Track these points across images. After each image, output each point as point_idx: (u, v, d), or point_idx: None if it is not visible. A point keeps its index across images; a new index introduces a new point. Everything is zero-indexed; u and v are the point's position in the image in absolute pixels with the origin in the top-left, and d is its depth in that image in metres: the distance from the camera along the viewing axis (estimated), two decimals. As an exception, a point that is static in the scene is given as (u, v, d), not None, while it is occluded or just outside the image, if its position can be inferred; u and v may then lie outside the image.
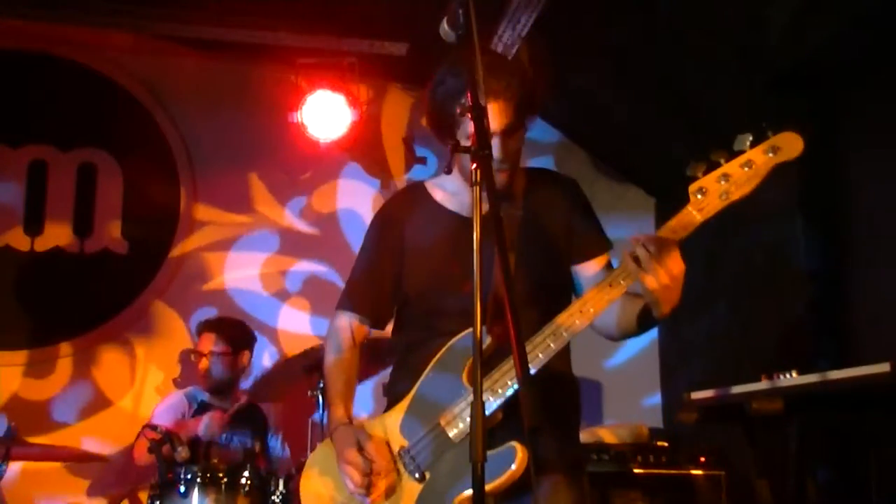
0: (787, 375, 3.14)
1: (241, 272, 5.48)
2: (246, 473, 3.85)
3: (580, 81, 5.16)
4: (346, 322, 2.59)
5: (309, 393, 4.31)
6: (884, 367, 2.76)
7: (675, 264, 2.09)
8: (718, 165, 2.11)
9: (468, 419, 2.20)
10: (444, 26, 2.03)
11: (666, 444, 4.40)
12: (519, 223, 2.39)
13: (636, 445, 4.38)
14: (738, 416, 3.39)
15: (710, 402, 3.54)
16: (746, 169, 2.09)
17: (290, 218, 5.59)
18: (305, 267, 5.54)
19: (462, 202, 2.47)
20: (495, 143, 2.26)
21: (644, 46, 4.60)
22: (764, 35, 4.06)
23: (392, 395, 2.49)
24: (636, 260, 2.08)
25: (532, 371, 2.13)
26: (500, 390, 2.20)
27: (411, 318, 2.53)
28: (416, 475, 2.29)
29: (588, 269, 2.44)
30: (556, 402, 2.36)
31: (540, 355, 2.19)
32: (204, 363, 4.60)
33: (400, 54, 5.30)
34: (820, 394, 3.04)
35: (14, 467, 4.28)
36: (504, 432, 2.14)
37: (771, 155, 2.08)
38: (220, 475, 3.83)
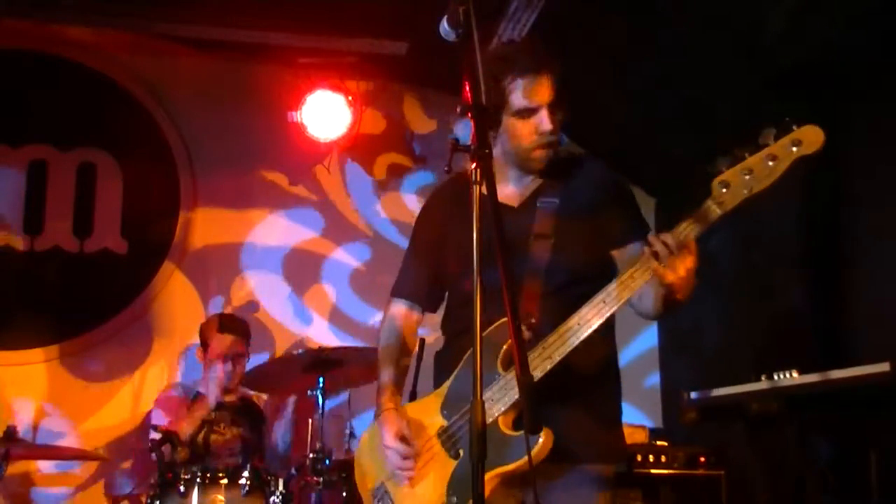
0: (787, 375, 3.14)
1: (241, 271, 5.48)
2: (246, 473, 3.85)
3: (580, 81, 5.14)
4: (399, 309, 2.72)
5: (308, 393, 4.30)
6: (884, 367, 2.77)
7: (691, 259, 2.15)
8: (743, 159, 2.14)
9: (500, 402, 2.32)
10: (444, 26, 2.03)
11: (666, 444, 4.40)
12: (556, 210, 2.45)
13: (636, 445, 4.38)
14: (738, 416, 3.39)
15: (710, 402, 3.54)
16: (770, 163, 2.13)
17: (290, 217, 5.59)
18: (304, 266, 5.54)
19: (506, 192, 2.52)
20: (543, 115, 2.38)
21: (644, 46, 4.60)
22: (764, 35, 4.06)
23: (436, 381, 2.60)
24: (655, 256, 2.15)
25: (556, 361, 2.25)
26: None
27: (453, 308, 2.65)
28: (452, 453, 2.41)
29: (625, 255, 2.48)
30: (590, 388, 2.43)
31: (561, 349, 2.27)
32: (231, 366, 4.51)
33: (400, 54, 5.30)
34: (820, 394, 3.05)
35: (14, 467, 4.27)
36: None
37: (794, 149, 2.13)
38: (220, 475, 3.83)
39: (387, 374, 2.63)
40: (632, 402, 5.59)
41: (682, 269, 2.14)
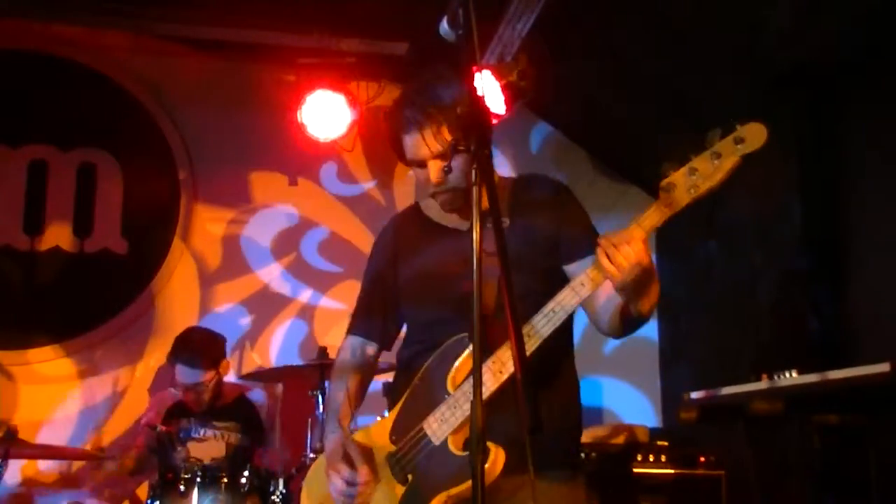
0: (787, 375, 3.14)
1: (241, 271, 5.48)
2: (246, 473, 3.85)
3: (580, 81, 5.16)
4: (353, 343, 2.68)
5: (309, 393, 4.30)
6: (884, 367, 2.76)
7: (642, 259, 2.08)
8: (688, 161, 2.14)
9: (448, 422, 2.27)
10: (444, 26, 2.03)
11: (666, 444, 4.40)
12: (506, 230, 2.32)
13: (636, 445, 4.38)
14: (738, 416, 3.39)
15: (711, 402, 3.54)
16: (714, 161, 2.11)
17: (290, 218, 5.60)
18: (303, 266, 5.55)
19: (451, 217, 2.51)
20: (430, 168, 2.37)
21: (644, 46, 4.60)
22: (764, 35, 4.07)
23: (390, 406, 2.55)
24: (607, 258, 2.09)
25: (510, 372, 2.17)
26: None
27: (412, 333, 2.60)
28: (400, 478, 2.35)
29: (577, 270, 2.41)
30: (553, 397, 2.37)
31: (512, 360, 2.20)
32: (190, 395, 4.41)
33: (400, 54, 5.31)
34: (820, 394, 3.04)
35: (14, 467, 4.28)
36: (494, 428, 2.10)
37: (738, 146, 2.10)
38: (221, 474, 3.83)
39: (335, 402, 2.58)
40: (632, 401, 5.61)
41: (632, 271, 2.06)
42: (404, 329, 2.67)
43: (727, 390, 3.43)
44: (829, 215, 4.20)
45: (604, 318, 2.34)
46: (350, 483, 2.37)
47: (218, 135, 5.53)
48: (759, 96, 4.29)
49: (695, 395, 3.61)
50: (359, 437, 2.49)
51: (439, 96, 2.36)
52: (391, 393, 2.60)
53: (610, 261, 2.08)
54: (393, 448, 2.39)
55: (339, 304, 5.42)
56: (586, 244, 2.41)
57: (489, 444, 2.15)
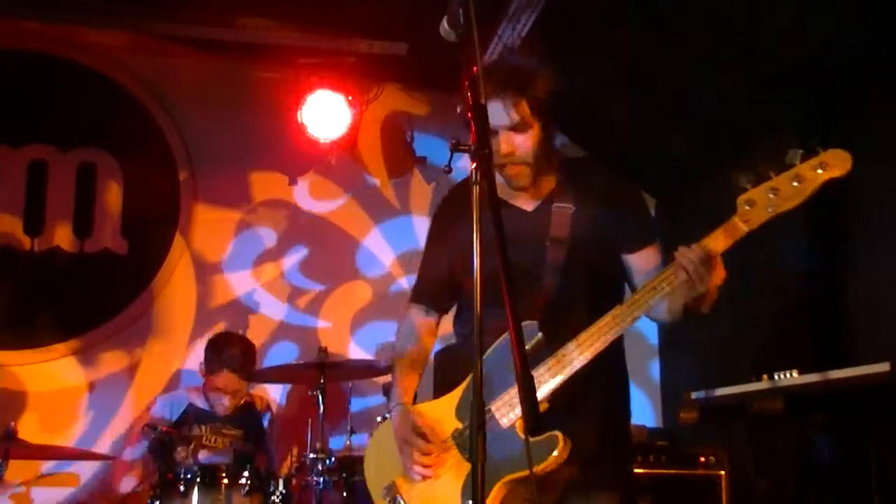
0: (787, 375, 3.14)
1: (241, 271, 5.48)
2: (246, 473, 3.85)
3: (580, 81, 5.15)
4: (417, 315, 2.75)
5: (309, 392, 4.30)
6: (884, 367, 2.77)
7: (718, 276, 2.23)
8: (767, 178, 2.17)
9: (517, 407, 2.31)
10: (444, 26, 2.04)
11: (666, 444, 4.40)
12: (571, 215, 2.48)
13: (636, 445, 4.37)
14: (739, 416, 3.39)
15: (711, 401, 3.54)
16: (796, 183, 2.16)
17: (290, 217, 5.59)
18: (304, 266, 5.54)
19: (518, 194, 2.55)
20: (500, 138, 2.41)
21: (644, 46, 4.60)
22: (764, 35, 4.07)
23: (450, 379, 2.59)
24: (684, 269, 2.20)
25: (579, 366, 2.29)
26: (544, 381, 2.29)
27: (470, 307, 2.60)
28: (467, 456, 2.40)
29: (637, 259, 2.52)
30: (603, 395, 2.48)
31: (586, 353, 2.30)
32: (228, 400, 4.50)
33: (400, 54, 5.31)
34: (820, 394, 3.05)
35: (14, 467, 4.27)
36: (549, 421, 2.21)
37: (820, 171, 2.15)
38: (221, 475, 3.83)
39: (403, 375, 2.65)
40: (632, 401, 5.60)
41: (714, 281, 2.21)
42: None
43: (727, 390, 3.43)
44: (829, 215, 4.20)
45: (659, 311, 2.41)
46: (424, 453, 2.44)
47: (218, 135, 5.53)
48: (759, 96, 4.28)
49: (695, 394, 3.61)
50: (425, 409, 2.55)
51: (525, 69, 2.46)
52: (448, 366, 2.69)
53: (689, 273, 2.20)
54: (459, 426, 2.45)
55: (339, 303, 5.46)
56: (648, 234, 2.55)
57: (559, 434, 2.26)
